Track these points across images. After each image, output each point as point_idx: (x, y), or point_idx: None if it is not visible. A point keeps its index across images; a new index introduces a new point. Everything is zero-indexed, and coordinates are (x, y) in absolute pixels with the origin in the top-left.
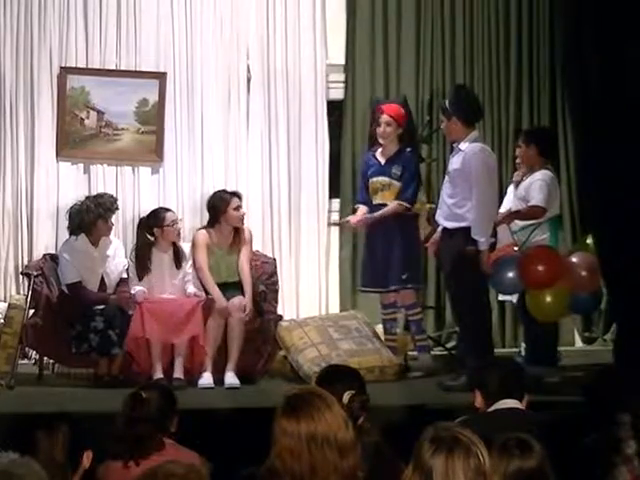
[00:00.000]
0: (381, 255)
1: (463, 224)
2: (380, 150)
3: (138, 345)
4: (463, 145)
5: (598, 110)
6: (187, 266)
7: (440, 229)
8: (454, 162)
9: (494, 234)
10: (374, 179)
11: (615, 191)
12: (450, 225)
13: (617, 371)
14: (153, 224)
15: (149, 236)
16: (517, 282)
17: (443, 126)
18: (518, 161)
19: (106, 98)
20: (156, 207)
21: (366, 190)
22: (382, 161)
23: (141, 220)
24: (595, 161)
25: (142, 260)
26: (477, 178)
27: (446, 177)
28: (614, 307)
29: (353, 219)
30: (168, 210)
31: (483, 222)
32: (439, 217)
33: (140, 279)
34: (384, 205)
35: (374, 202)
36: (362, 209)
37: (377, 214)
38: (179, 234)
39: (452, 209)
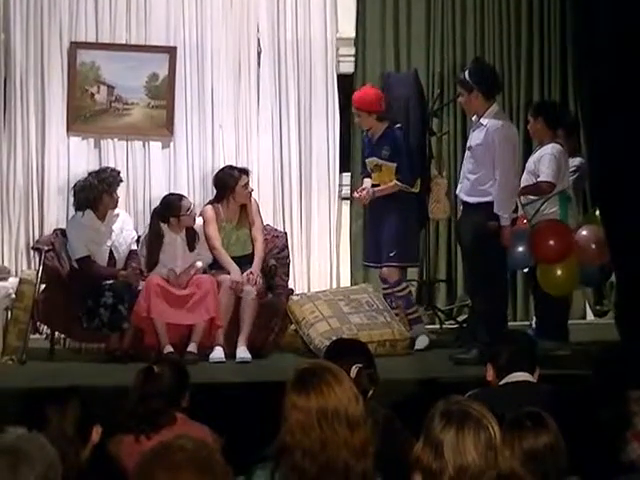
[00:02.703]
0: (375, 231)
1: (485, 199)
2: (371, 131)
3: (143, 321)
4: (485, 120)
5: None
6: (199, 246)
7: (461, 204)
8: (475, 137)
9: (515, 209)
10: (367, 160)
11: (621, 162)
12: (472, 200)
13: (625, 345)
14: (169, 214)
15: (163, 224)
16: (528, 256)
17: (462, 100)
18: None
19: (116, 73)
20: (166, 192)
21: (365, 168)
22: (373, 141)
23: (155, 210)
24: (602, 133)
25: (153, 252)
26: (501, 154)
27: (467, 152)
28: (618, 280)
29: (356, 194)
30: (182, 197)
31: (506, 198)
32: (460, 192)
33: (149, 270)
34: (379, 186)
35: (373, 182)
36: (366, 182)
37: (377, 189)
38: (194, 219)
39: (474, 184)
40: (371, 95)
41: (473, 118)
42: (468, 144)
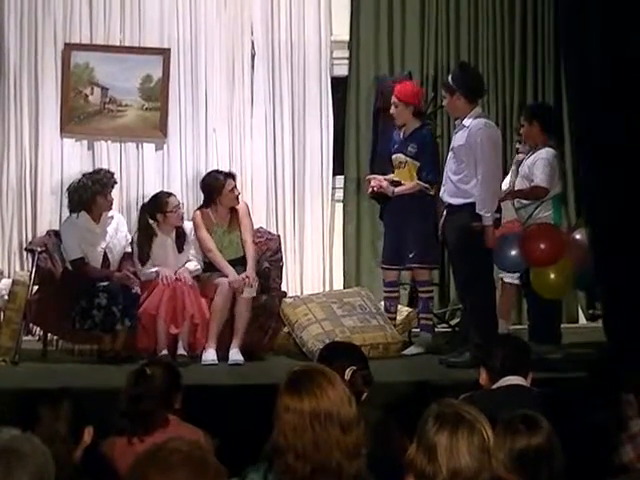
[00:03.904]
0: (396, 233)
1: (468, 200)
2: (402, 127)
3: (150, 319)
4: (467, 121)
5: (597, 84)
6: (190, 248)
7: (445, 206)
8: (458, 138)
9: (498, 210)
10: (394, 155)
11: (609, 166)
12: (455, 201)
13: (614, 348)
14: (155, 210)
15: (151, 221)
16: (520, 260)
17: (445, 102)
18: (517, 139)
19: (110, 74)
20: (158, 191)
21: (390, 165)
22: (402, 138)
23: (143, 205)
24: (589, 136)
25: (143, 248)
26: (482, 153)
27: (450, 153)
28: (601, 284)
29: (374, 182)
30: (170, 195)
31: (488, 197)
32: (444, 194)
33: (142, 265)
34: (399, 182)
35: (393, 178)
36: (389, 176)
37: (397, 189)
38: (182, 218)
39: (457, 185)
40: (412, 88)
41: (457, 122)
42: (451, 146)
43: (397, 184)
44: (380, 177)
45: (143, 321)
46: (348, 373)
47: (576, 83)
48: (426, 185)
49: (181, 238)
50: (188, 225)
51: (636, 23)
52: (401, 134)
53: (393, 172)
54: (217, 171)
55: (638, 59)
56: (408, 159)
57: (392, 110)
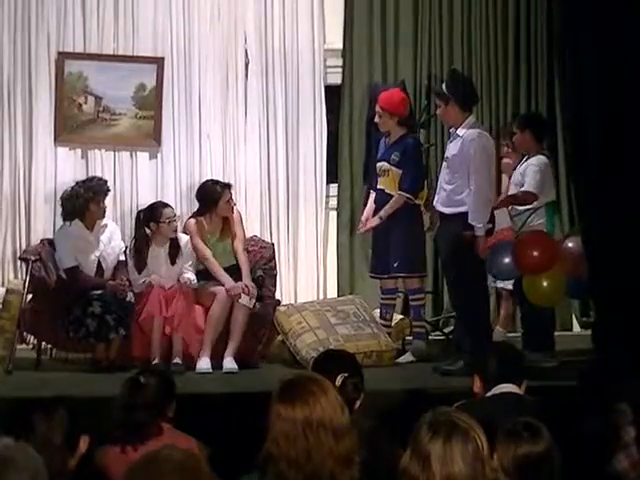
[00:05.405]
0: (382, 242)
1: (461, 209)
2: (388, 135)
3: (144, 324)
4: (461, 131)
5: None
6: (183, 260)
7: (439, 215)
8: (452, 148)
9: (491, 220)
10: (378, 163)
11: (606, 176)
12: (448, 211)
13: (601, 357)
14: (150, 218)
15: (147, 229)
16: (513, 268)
17: (439, 111)
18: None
19: (104, 83)
20: (152, 200)
21: (375, 173)
22: (387, 145)
23: (139, 213)
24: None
25: (139, 255)
26: (476, 164)
27: (444, 163)
28: (596, 292)
29: (363, 227)
30: (167, 206)
31: (481, 208)
32: (437, 203)
33: (139, 272)
34: (383, 191)
35: (377, 186)
36: (370, 203)
37: (382, 213)
38: (175, 230)
39: (450, 195)
40: (397, 98)
41: (451, 130)
42: (445, 155)
43: (381, 192)
44: (366, 216)
45: (139, 322)
46: (339, 380)
47: (571, 82)
48: (407, 195)
49: (174, 250)
50: (184, 238)
51: (631, 21)
52: (386, 142)
53: (377, 180)
54: (214, 181)
55: (633, 58)
56: (391, 167)
57: (376, 119)
